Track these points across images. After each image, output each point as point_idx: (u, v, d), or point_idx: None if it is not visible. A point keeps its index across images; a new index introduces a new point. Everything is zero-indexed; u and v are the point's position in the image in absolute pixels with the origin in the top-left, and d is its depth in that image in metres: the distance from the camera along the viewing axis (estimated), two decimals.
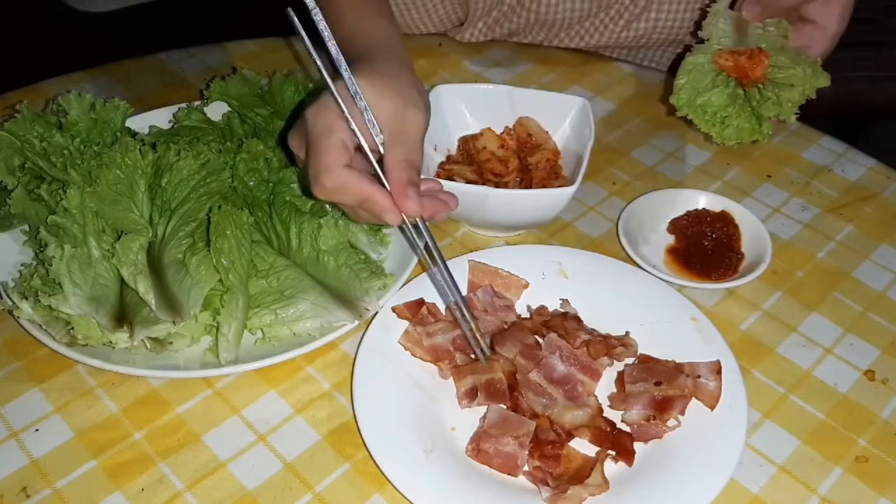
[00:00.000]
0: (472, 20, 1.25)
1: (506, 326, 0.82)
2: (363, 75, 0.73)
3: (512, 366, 0.78)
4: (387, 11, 0.90)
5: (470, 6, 1.24)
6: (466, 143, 1.01)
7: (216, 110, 1.03)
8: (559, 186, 0.95)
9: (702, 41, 0.98)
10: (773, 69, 0.94)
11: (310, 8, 0.68)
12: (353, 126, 0.70)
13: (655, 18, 1.22)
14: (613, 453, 0.73)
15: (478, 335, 0.78)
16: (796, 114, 0.93)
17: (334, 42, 0.70)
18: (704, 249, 0.92)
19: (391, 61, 0.79)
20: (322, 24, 0.69)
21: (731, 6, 1.00)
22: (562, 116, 1.00)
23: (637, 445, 0.74)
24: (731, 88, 0.94)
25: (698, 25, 1.01)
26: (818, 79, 0.93)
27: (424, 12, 1.27)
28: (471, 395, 0.76)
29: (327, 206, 0.87)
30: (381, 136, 0.72)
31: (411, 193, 0.70)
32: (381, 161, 0.72)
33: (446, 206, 0.75)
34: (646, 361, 0.80)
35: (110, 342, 0.76)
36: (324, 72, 0.70)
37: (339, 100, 0.70)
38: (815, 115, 1.15)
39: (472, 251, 0.91)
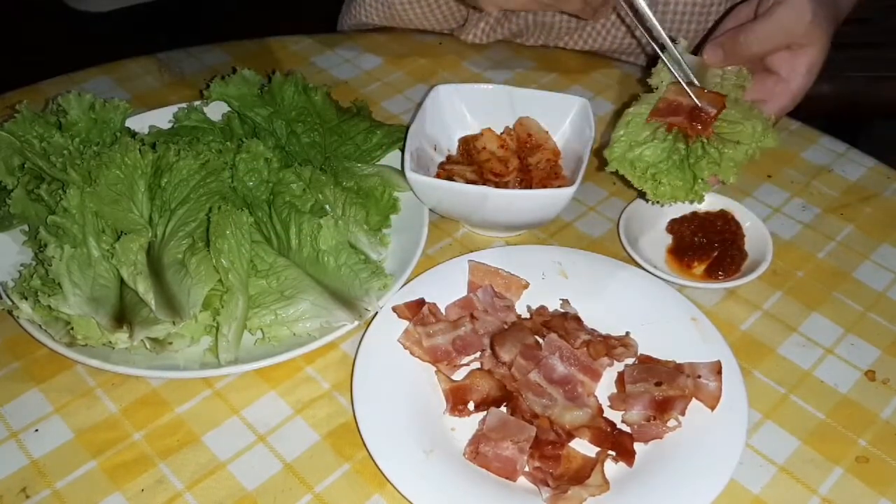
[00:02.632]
0: (472, 20, 1.25)
1: (506, 327, 0.82)
2: None
3: (507, 372, 0.78)
4: None
5: (469, 9, 1.24)
6: (466, 143, 1.01)
7: (216, 110, 1.03)
8: (559, 186, 0.95)
9: (650, 89, 0.90)
10: (722, 122, 0.85)
11: None
12: None
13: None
14: (614, 454, 0.73)
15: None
16: (736, 174, 0.83)
17: None
18: (706, 249, 0.92)
19: None
20: None
21: (696, 52, 0.93)
22: (562, 116, 1.00)
23: (637, 446, 0.74)
24: (668, 143, 0.85)
25: (647, 72, 0.92)
26: (766, 138, 0.84)
27: (427, 8, 1.27)
28: (461, 412, 0.76)
29: None
30: None
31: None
32: None
33: None
34: (646, 362, 0.79)
35: (110, 342, 0.76)
36: None
37: None
38: (815, 115, 1.15)
39: (472, 251, 0.91)
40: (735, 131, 0.84)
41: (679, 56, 0.89)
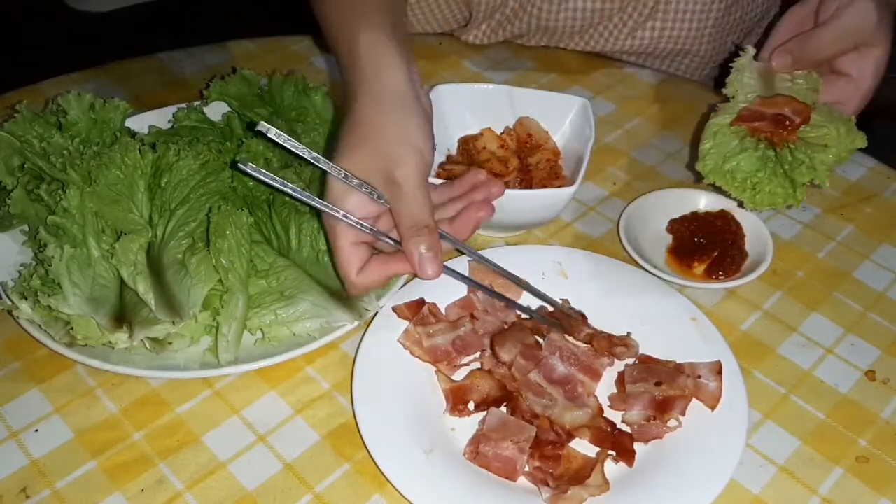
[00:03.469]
0: (475, 21, 1.25)
1: (506, 327, 0.82)
2: (342, 152, 0.75)
3: (507, 372, 0.78)
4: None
5: (473, 8, 1.24)
6: (466, 143, 1.01)
7: (216, 110, 1.03)
8: (559, 186, 0.95)
9: (727, 99, 0.92)
10: (806, 128, 0.87)
11: (265, 130, 0.72)
12: (351, 221, 0.74)
13: (661, 28, 1.22)
14: (614, 454, 0.73)
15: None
16: (830, 177, 0.86)
17: (302, 148, 0.74)
18: (706, 249, 0.92)
19: (374, 98, 0.77)
20: (283, 139, 0.73)
21: (756, 56, 0.94)
22: (562, 116, 1.00)
23: (637, 446, 0.74)
24: (760, 151, 0.86)
25: (722, 82, 0.94)
26: (854, 139, 0.86)
27: (429, 12, 1.27)
28: (461, 412, 0.76)
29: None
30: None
31: (425, 260, 0.72)
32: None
33: (483, 209, 0.77)
34: (646, 362, 0.79)
35: (110, 342, 0.76)
36: (298, 194, 0.74)
37: (327, 207, 0.74)
38: None
39: None
40: (821, 135, 0.86)
41: (747, 63, 0.91)
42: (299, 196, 0.73)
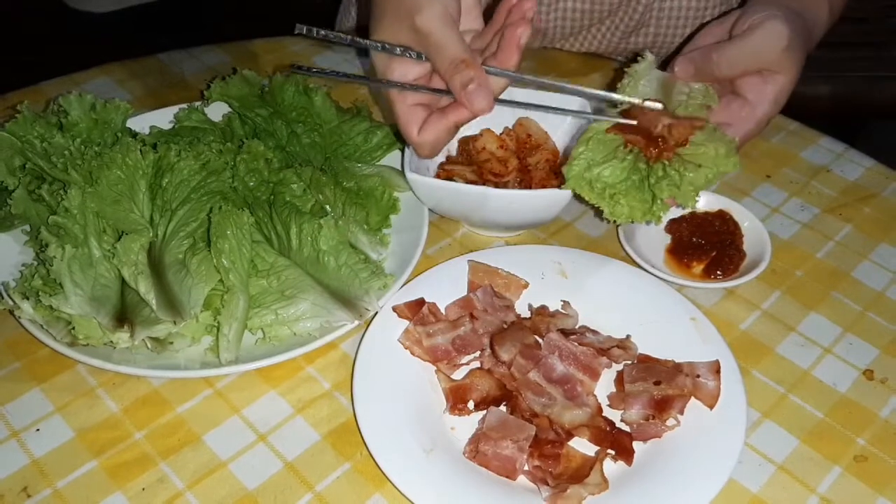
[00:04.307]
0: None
1: (506, 326, 0.82)
2: (373, 26, 0.80)
3: (506, 371, 0.78)
4: None
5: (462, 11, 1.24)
6: (466, 143, 1.01)
7: (216, 111, 1.03)
8: (559, 186, 0.95)
9: (614, 105, 0.86)
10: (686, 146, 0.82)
11: (304, 31, 0.79)
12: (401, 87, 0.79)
13: (654, 34, 1.23)
14: (613, 453, 0.73)
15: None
16: (696, 199, 0.80)
17: (340, 36, 0.80)
18: (705, 249, 0.92)
19: None
20: (322, 34, 0.79)
21: (663, 67, 0.89)
22: (562, 116, 1.01)
23: (636, 445, 0.74)
24: (628, 162, 0.82)
25: (612, 87, 0.88)
26: (728, 162, 0.80)
27: None
28: (461, 411, 0.77)
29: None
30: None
31: (472, 94, 0.75)
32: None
33: (520, 26, 0.77)
34: (645, 361, 0.80)
35: (111, 342, 0.76)
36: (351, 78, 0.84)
37: (377, 81, 0.81)
38: (814, 115, 1.15)
39: (472, 251, 0.91)
40: (697, 153, 0.81)
41: (646, 70, 0.86)
42: (353, 80, 0.79)
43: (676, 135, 0.81)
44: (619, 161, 0.82)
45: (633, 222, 0.82)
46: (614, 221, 0.83)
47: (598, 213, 0.85)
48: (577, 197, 0.85)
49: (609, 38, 1.23)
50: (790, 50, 0.83)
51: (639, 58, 0.88)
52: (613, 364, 0.80)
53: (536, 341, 0.80)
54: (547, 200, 0.89)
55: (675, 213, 0.96)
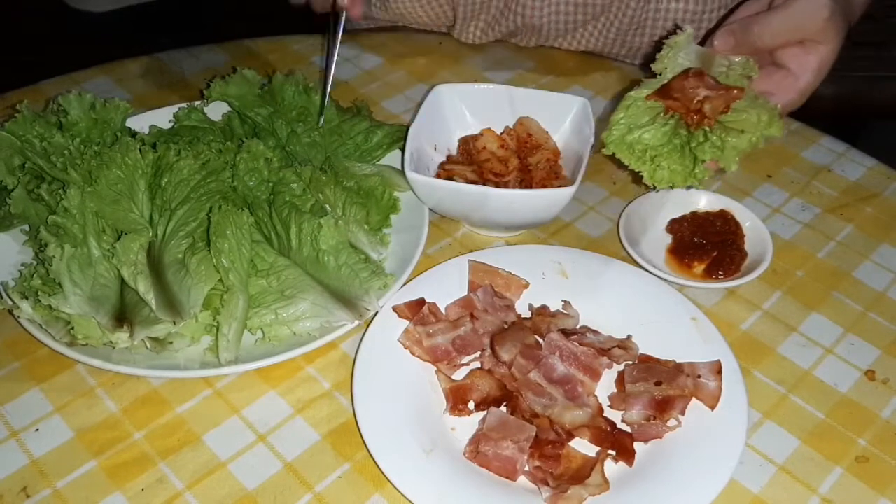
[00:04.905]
0: (463, 22, 1.26)
1: (506, 326, 0.82)
2: None
3: (507, 372, 0.78)
4: None
5: (457, 10, 1.24)
6: (466, 143, 1.01)
7: (216, 110, 1.03)
8: (559, 186, 0.95)
9: (654, 75, 0.86)
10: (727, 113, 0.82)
11: None
12: None
13: (651, 34, 1.23)
14: (613, 453, 0.73)
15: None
16: (737, 162, 0.80)
17: None
18: (706, 249, 0.92)
19: None
20: None
21: (703, 43, 0.89)
22: (562, 116, 1.00)
23: (637, 445, 0.74)
24: (669, 127, 0.82)
25: (651, 58, 0.88)
26: (771, 127, 0.81)
27: (413, 10, 1.26)
28: (461, 411, 0.77)
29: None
30: None
31: None
32: None
33: None
34: (646, 361, 0.80)
35: (110, 342, 0.76)
36: None
37: None
38: (815, 115, 1.15)
39: (472, 251, 0.91)
40: (739, 119, 0.81)
41: (684, 42, 0.86)
42: None
43: (715, 103, 0.81)
44: (660, 125, 0.82)
45: (672, 187, 0.82)
46: (654, 187, 0.82)
47: (637, 179, 0.84)
48: (618, 163, 0.84)
49: (605, 36, 1.23)
50: (832, 20, 0.82)
51: (678, 30, 0.87)
52: (614, 364, 0.80)
53: (537, 341, 0.80)
54: (547, 200, 0.89)
55: (677, 213, 0.96)
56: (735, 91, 0.82)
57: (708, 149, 0.80)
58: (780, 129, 0.81)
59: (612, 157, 0.84)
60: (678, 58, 0.86)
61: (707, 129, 0.82)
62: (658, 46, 0.88)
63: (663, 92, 0.84)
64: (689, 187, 0.82)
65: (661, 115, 0.83)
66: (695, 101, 0.82)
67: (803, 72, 0.85)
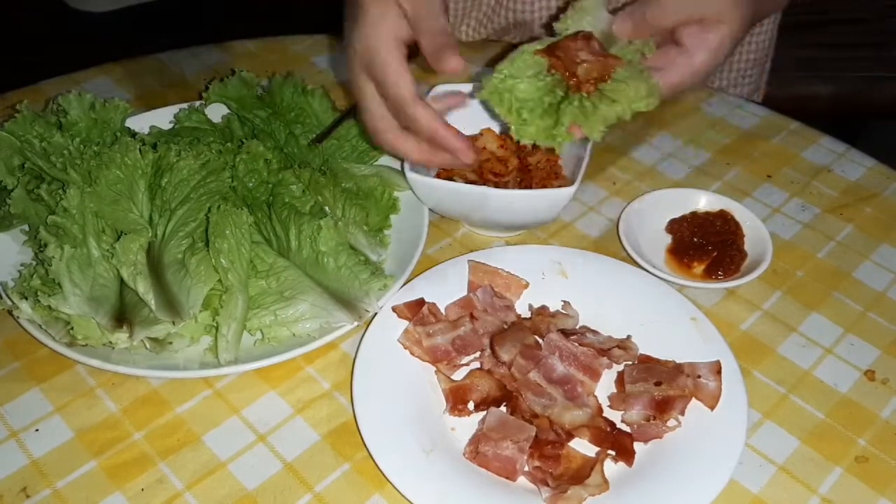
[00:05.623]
0: (454, 21, 1.26)
1: (506, 326, 0.82)
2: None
3: (506, 372, 0.78)
4: None
5: (449, 9, 1.24)
6: None
7: (217, 111, 1.03)
8: (559, 186, 0.95)
9: (553, 35, 0.83)
10: (607, 81, 0.80)
11: None
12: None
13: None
14: (613, 453, 0.73)
15: None
16: (603, 132, 0.78)
17: None
18: (706, 249, 0.92)
19: None
20: None
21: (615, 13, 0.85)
22: None
23: (637, 445, 0.74)
24: (545, 83, 0.80)
25: (555, 17, 0.85)
26: (643, 102, 0.78)
27: None
28: (461, 412, 0.77)
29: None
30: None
31: (447, 55, 0.78)
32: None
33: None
34: (646, 361, 0.80)
35: (110, 342, 0.76)
36: None
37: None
38: (815, 115, 1.15)
39: (472, 251, 0.91)
40: (618, 89, 0.78)
41: (593, 7, 0.84)
42: None
43: (589, 68, 0.79)
44: (536, 80, 0.80)
45: (535, 144, 0.80)
46: (519, 141, 0.81)
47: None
48: (493, 113, 0.83)
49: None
50: (735, 1, 0.80)
51: None
52: (614, 364, 0.80)
53: (537, 342, 0.80)
54: (547, 200, 0.89)
55: (676, 213, 0.96)
56: (611, 59, 0.80)
57: (569, 111, 0.78)
58: (649, 105, 0.79)
59: (486, 105, 0.83)
60: (583, 21, 0.84)
61: (584, 94, 0.80)
62: (565, 6, 0.86)
63: (550, 49, 0.82)
64: (549, 147, 0.80)
65: (544, 71, 0.81)
66: (575, 64, 0.80)
67: (699, 49, 0.81)
